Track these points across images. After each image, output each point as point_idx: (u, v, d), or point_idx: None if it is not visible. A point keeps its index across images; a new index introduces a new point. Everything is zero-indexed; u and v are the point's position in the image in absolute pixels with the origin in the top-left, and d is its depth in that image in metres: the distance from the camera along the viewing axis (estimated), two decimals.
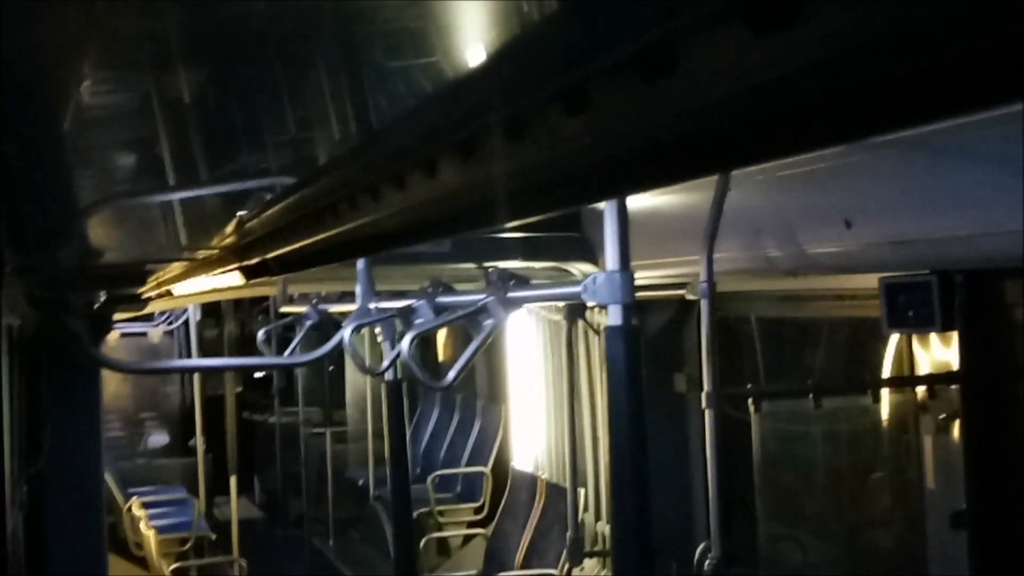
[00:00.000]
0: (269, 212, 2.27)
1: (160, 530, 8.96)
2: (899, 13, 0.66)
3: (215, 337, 12.48)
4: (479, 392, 10.59)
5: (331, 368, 12.46)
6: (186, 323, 11.73)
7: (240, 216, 2.70)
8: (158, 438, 11.75)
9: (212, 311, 12.76)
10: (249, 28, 1.72)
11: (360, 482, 11.12)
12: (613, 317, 2.37)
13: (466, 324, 2.99)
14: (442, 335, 11.52)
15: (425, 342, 11.46)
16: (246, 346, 11.63)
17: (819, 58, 0.72)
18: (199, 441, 10.16)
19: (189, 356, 10.65)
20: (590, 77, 0.92)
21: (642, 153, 1.00)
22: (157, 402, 12.17)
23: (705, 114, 0.87)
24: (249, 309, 12.85)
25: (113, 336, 9.73)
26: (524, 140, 1.05)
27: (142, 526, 8.83)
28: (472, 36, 1.67)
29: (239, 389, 10.84)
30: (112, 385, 10.86)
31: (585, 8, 0.91)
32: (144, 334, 11.45)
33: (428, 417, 11.48)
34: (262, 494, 13.24)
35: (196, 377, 10.67)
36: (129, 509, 9.20)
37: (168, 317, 11.99)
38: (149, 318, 11.61)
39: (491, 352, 9.44)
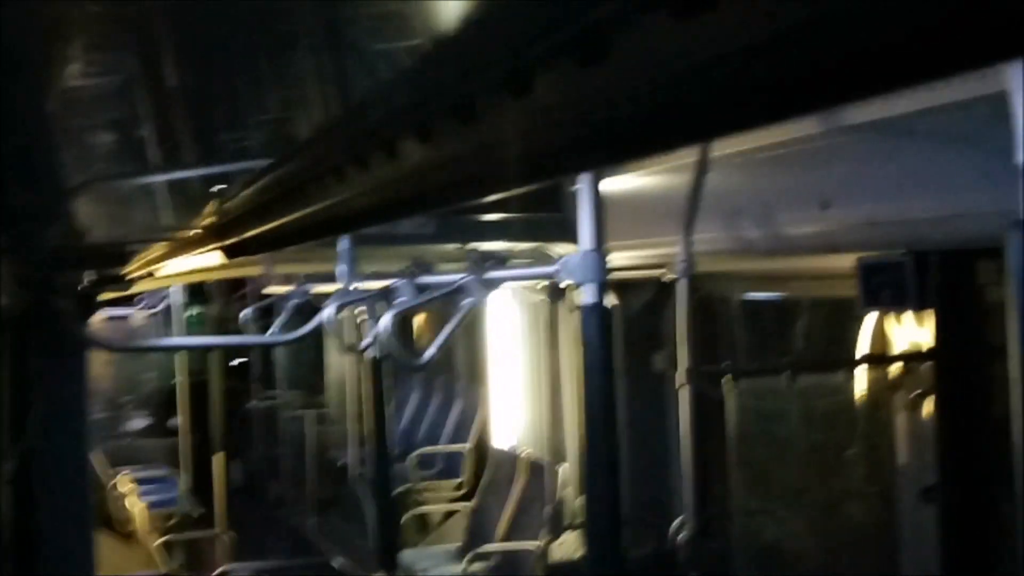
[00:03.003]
0: (246, 192, 2.31)
1: (147, 506, 9.04)
2: None
3: (197, 319, 12.49)
4: (460, 373, 10.62)
5: (313, 346, 12.47)
6: (168, 306, 11.76)
7: (219, 197, 2.74)
8: (139, 421, 11.84)
9: (195, 293, 12.76)
10: (232, 12, 1.75)
11: (340, 462, 11.18)
12: (587, 295, 2.42)
13: (444, 306, 3.04)
14: (419, 316, 11.51)
15: (402, 324, 11.45)
16: (231, 323, 11.64)
17: (738, 43, 0.73)
18: (181, 420, 10.21)
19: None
20: (533, 63, 0.95)
21: (584, 136, 1.04)
22: (139, 388, 12.26)
23: (636, 99, 0.89)
24: (229, 294, 12.86)
25: (97, 319, 9.76)
26: (479, 122, 1.10)
27: (127, 502, 8.90)
28: (448, 19, 1.71)
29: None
30: (94, 368, 10.91)
31: None
32: (126, 317, 11.50)
33: (409, 399, 11.52)
34: (243, 476, 13.35)
35: (178, 360, 10.71)
36: (114, 486, 9.26)
37: (148, 301, 12.02)
38: (130, 302, 11.63)
39: (472, 333, 9.49)
